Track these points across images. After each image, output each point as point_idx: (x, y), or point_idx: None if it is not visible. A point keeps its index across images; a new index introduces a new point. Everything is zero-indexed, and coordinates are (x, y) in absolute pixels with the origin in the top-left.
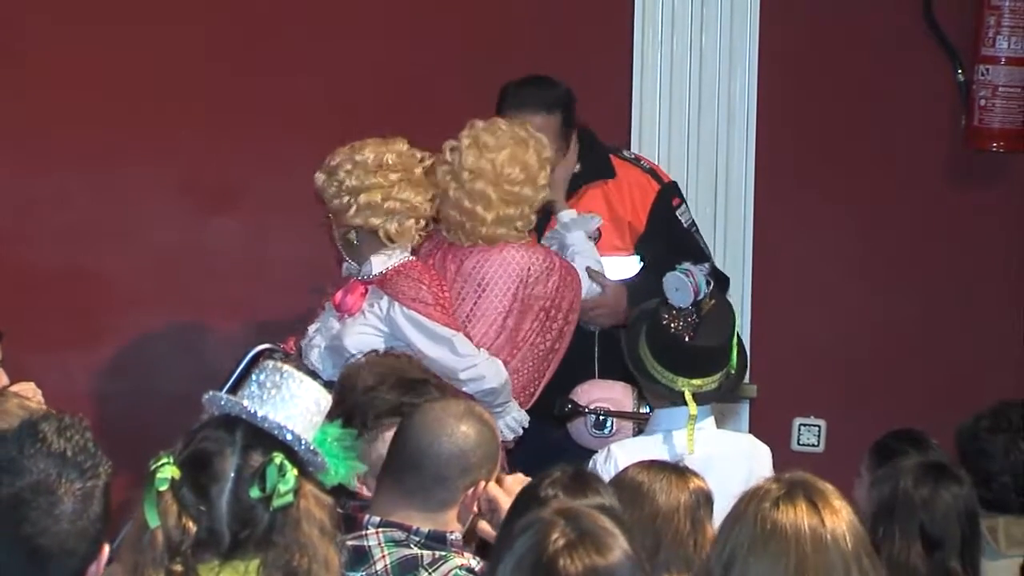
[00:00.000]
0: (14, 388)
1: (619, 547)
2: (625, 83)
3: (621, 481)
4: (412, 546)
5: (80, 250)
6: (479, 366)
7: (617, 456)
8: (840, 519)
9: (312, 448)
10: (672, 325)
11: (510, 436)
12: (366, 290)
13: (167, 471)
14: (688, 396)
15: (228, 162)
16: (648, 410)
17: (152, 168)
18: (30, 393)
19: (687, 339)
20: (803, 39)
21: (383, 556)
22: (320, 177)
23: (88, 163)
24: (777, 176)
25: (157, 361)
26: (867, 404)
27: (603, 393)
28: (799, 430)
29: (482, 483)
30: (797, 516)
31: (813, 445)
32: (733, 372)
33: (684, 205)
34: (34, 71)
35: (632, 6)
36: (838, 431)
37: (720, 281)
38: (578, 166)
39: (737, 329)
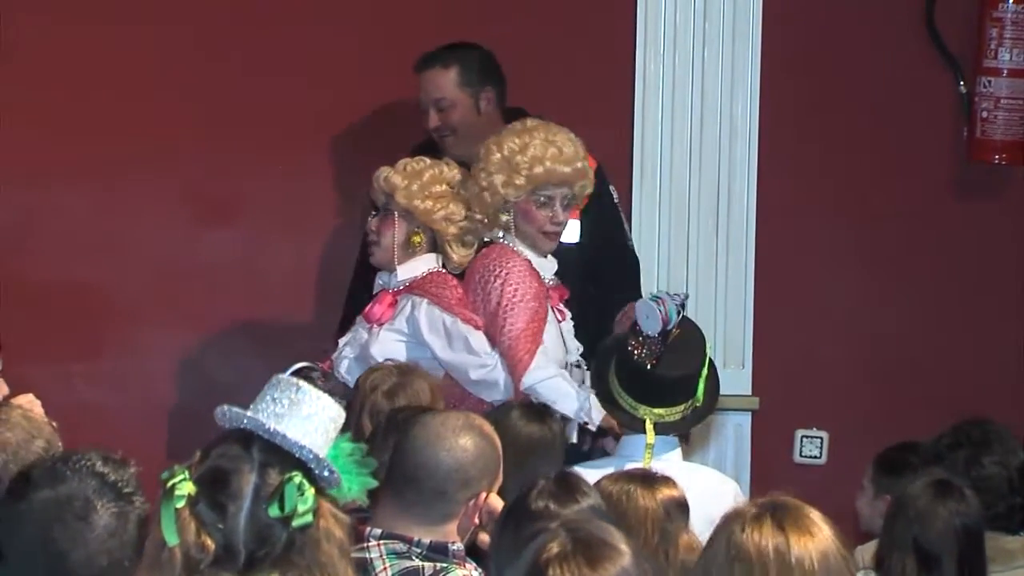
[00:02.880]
0: (13, 400)
1: (617, 564)
2: (627, 97)
3: None
4: (414, 558)
5: (81, 262)
6: (492, 369)
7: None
8: (811, 542)
9: (329, 466)
10: (636, 352)
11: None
12: (395, 300)
13: (184, 487)
14: (648, 425)
15: (228, 173)
16: None
17: (152, 180)
18: (28, 405)
19: (649, 367)
20: (804, 52)
21: (385, 568)
22: (396, 177)
23: (88, 175)
24: (779, 189)
25: (157, 373)
26: (870, 416)
27: None
28: (801, 442)
29: (483, 495)
30: (762, 539)
31: (815, 457)
32: (699, 405)
33: (613, 185)
34: (31, 76)
35: (634, 21)
36: (840, 443)
37: (632, 266)
38: None
39: (709, 358)
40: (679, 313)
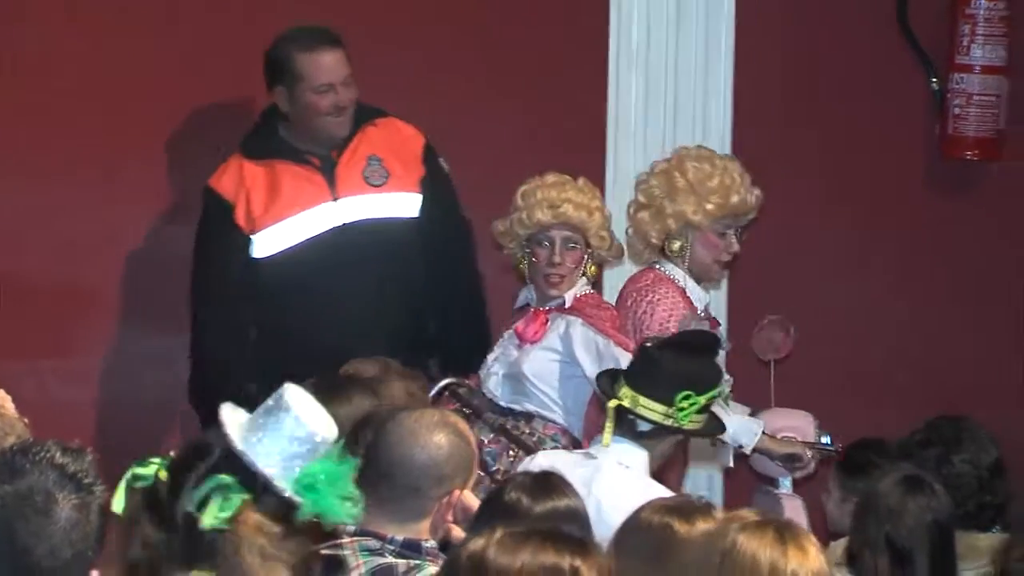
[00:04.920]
0: None
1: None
2: (600, 95)
3: None
4: (387, 555)
5: (55, 259)
6: None
7: (540, 463)
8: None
9: (283, 490)
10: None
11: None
12: (547, 319)
13: (149, 469)
14: (624, 396)
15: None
16: (828, 440)
17: (128, 179)
18: (0, 401)
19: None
20: (777, 49)
21: (358, 565)
22: (589, 214)
23: (65, 175)
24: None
25: (130, 371)
26: (846, 411)
27: (786, 421)
28: None
29: (456, 492)
30: (760, 547)
31: None
32: (682, 424)
33: (443, 157)
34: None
35: (607, 19)
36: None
37: (467, 237)
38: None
39: (720, 398)
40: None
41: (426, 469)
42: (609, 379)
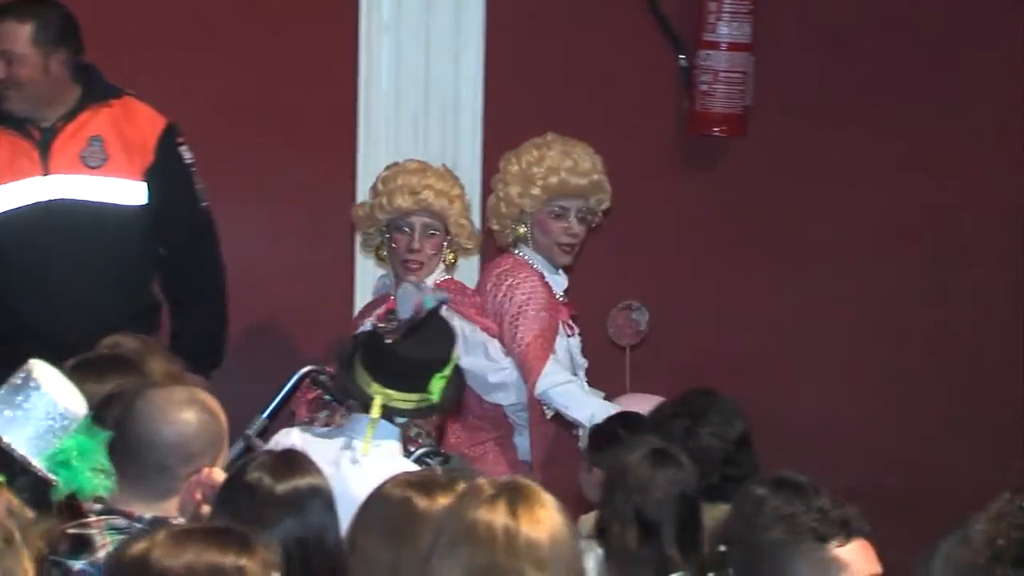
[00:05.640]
0: None
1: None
2: (350, 68)
3: None
4: (135, 533)
5: None
6: (510, 372)
7: (295, 441)
8: (541, 526)
9: (35, 465)
10: (383, 327)
11: None
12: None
13: None
14: (377, 401)
15: None
16: None
17: None
18: None
19: (389, 342)
20: (528, 21)
21: (105, 544)
22: (447, 199)
23: None
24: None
25: None
26: None
27: (641, 406)
28: None
29: (205, 470)
30: (493, 519)
31: None
32: (434, 401)
33: (186, 145)
34: None
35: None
36: None
37: (204, 226)
38: (80, 90)
39: (456, 364)
40: (438, 305)
41: (174, 447)
42: (350, 379)
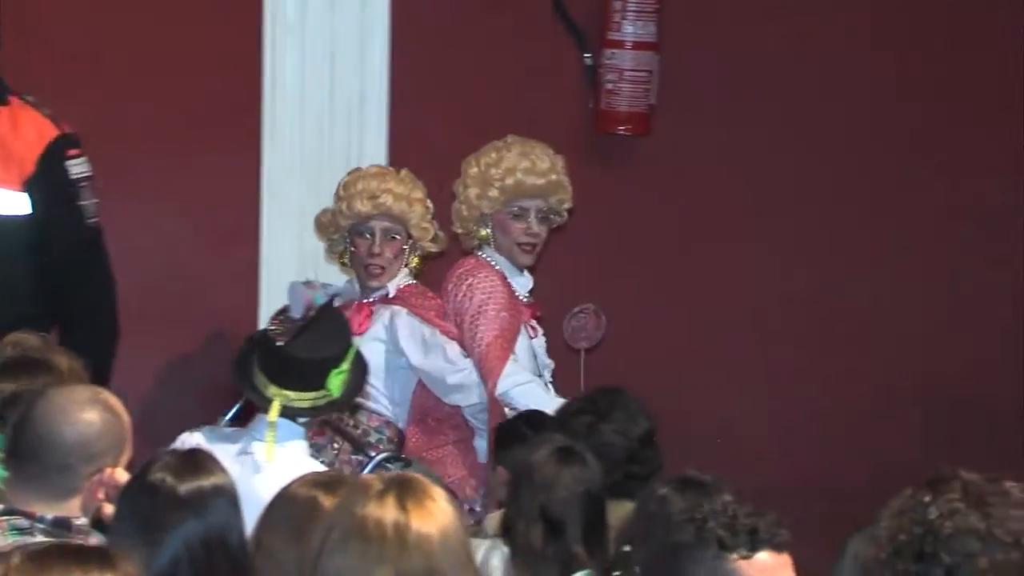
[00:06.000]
0: None
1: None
2: (255, 68)
3: None
4: (36, 534)
5: None
6: (469, 373)
7: (200, 441)
8: (431, 521)
9: None
10: (274, 328)
11: None
12: (371, 311)
13: None
14: (275, 404)
15: None
16: None
17: None
18: None
19: (280, 344)
20: (433, 20)
21: (7, 544)
22: (406, 205)
23: None
24: (410, 161)
25: None
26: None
27: None
28: None
29: (108, 470)
30: (383, 514)
31: None
32: (334, 398)
33: (81, 158)
34: None
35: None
36: None
37: (87, 241)
38: None
39: (355, 356)
40: (330, 300)
41: (76, 446)
42: (246, 383)
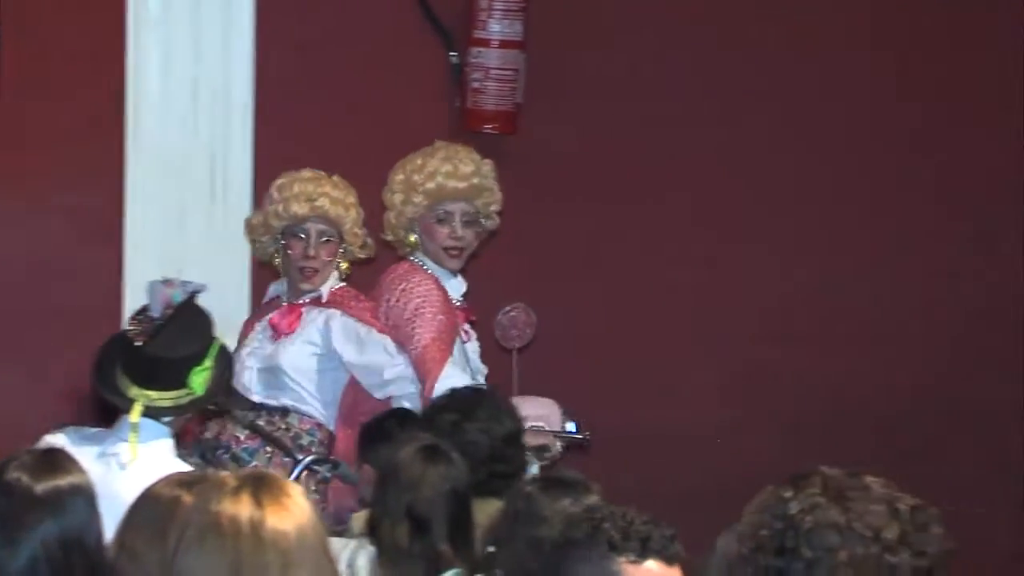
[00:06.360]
0: None
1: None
2: (118, 64)
3: None
4: None
5: None
6: (406, 367)
7: (62, 442)
8: (288, 518)
9: None
10: (132, 328)
11: None
12: (302, 312)
13: None
14: (136, 406)
15: None
16: (575, 427)
17: None
18: None
19: (138, 344)
20: (299, 16)
21: None
22: (343, 208)
23: None
24: (275, 159)
25: None
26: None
27: (532, 410)
28: None
29: None
30: (238, 511)
31: None
32: (197, 396)
33: None
34: None
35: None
36: None
37: None
38: None
39: (219, 352)
40: (190, 298)
41: None
42: (106, 384)
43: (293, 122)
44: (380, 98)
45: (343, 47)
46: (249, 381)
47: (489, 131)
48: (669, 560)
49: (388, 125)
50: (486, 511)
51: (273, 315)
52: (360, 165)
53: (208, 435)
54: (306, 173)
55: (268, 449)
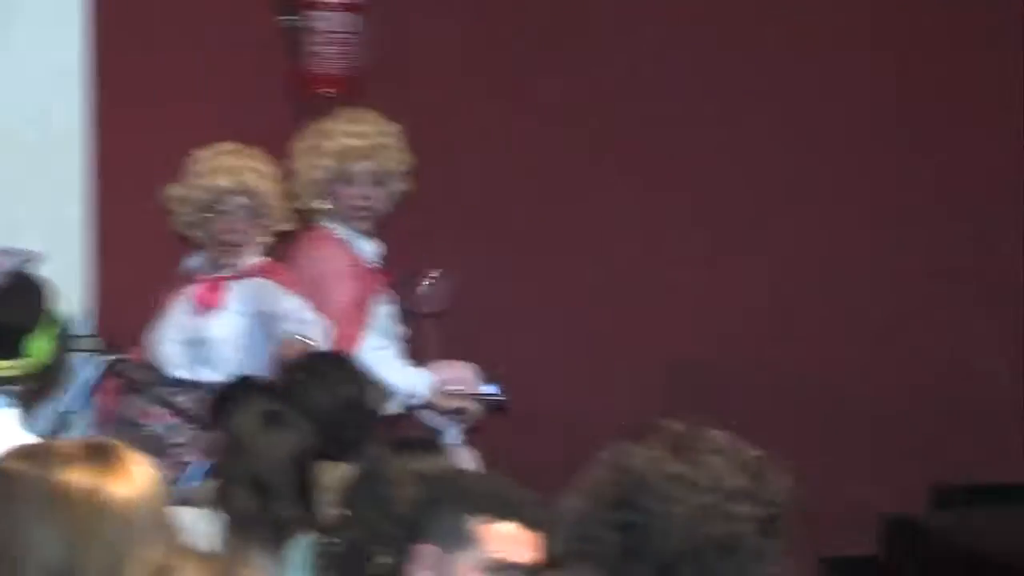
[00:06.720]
0: None
1: None
2: None
3: None
4: None
5: None
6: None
7: None
8: (127, 485)
9: None
10: None
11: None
12: (227, 284)
13: None
14: None
15: None
16: (495, 389)
17: None
18: None
19: None
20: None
21: None
22: (267, 182)
23: None
24: (116, 131)
25: None
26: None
27: (450, 373)
28: None
29: None
30: (76, 479)
31: None
32: (45, 363)
33: None
34: None
35: None
36: None
37: None
38: None
39: (61, 322)
40: (19, 266)
41: None
42: None
43: (129, 89)
44: (219, 63)
45: (178, 12)
46: (171, 355)
47: (327, 94)
48: (530, 524)
49: (225, 91)
50: (333, 475)
51: (197, 288)
52: (194, 137)
53: (126, 412)
54: (227, 147)
55: (191, 427)
